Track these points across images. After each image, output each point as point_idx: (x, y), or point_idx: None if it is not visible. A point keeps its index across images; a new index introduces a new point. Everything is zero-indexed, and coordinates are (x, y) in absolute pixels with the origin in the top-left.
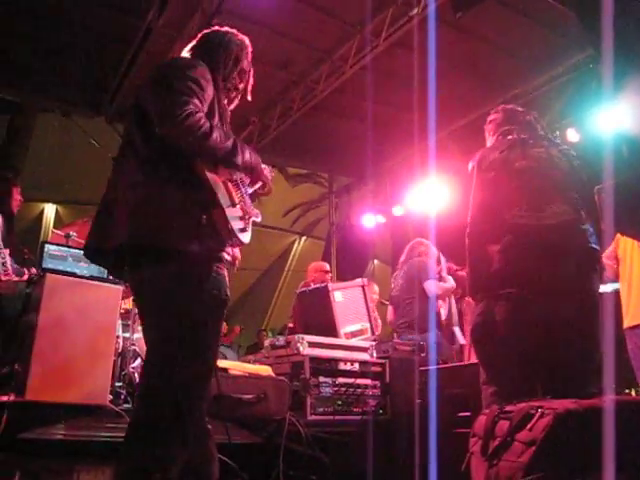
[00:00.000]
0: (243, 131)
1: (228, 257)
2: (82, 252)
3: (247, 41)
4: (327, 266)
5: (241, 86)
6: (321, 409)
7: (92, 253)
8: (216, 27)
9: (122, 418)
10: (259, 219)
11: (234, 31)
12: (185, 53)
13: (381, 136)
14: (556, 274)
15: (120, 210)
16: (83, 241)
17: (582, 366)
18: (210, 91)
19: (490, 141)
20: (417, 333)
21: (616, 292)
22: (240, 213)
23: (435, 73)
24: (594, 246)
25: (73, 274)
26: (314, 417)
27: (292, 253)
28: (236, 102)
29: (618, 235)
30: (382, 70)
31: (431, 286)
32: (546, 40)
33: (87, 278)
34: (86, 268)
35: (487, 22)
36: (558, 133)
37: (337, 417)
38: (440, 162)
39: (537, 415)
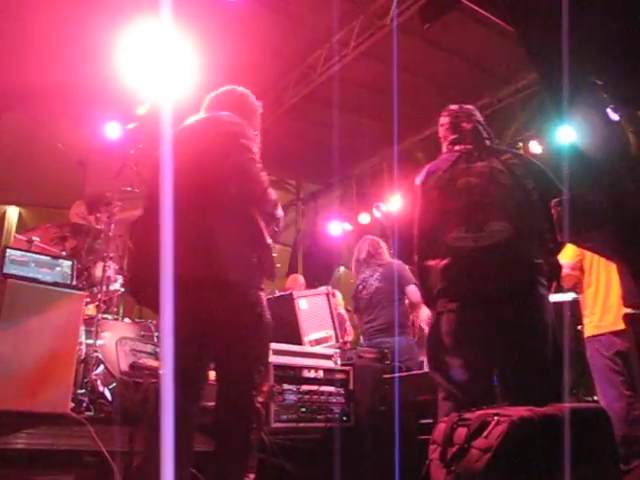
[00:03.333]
0: None
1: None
2: (44, 257)
3: None
4: (301, 278)
5: None
6: (285, 417)
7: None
8: (243, 90)
9: (84, 426)
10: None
11: (253, 97)
12: (226, 112)
13: (349, 144)
14: (494, 292)
15: (199, 249)
16: (46, 246)
17: (527, 376)
18: None
19: (443, 147)
20: (390, 336)
21: (574, 301)
22: (274, 251)
23: (402, 83)
24: (535, 260)
25: (35, 280)
26: (278, 425)
27: None
28: None
29: None
30: (350, 79)
31: (416, 293)
32: (512, 53)
33: (49, 284)
34: (49, 274)
35: (454, 34)
36: (521, 144)
37: (301, 425)
38: (407, 171)
39: (493, 423)
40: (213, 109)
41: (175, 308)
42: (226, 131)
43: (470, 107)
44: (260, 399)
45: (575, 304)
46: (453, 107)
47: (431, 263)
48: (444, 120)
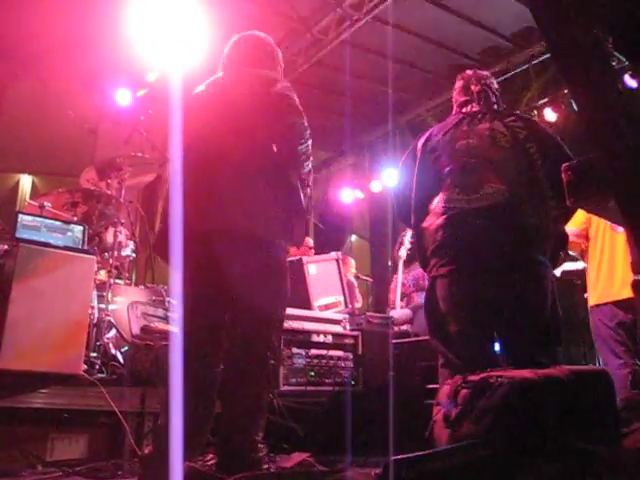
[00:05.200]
0: None
1: None
2: (56, 222)
3: None
4: (311, 242)
5: None
6: (294, 380)
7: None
8: (263, 35)
9: (96, 387)
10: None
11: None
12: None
13: (360, 111)
14: (487, 255)
15: (231, 203)
16: (58, 211)
17: (521, 338)
18: None
19: (453, 110)
20: None
21: (584, 270)
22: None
23: (414, 49)
24: (532, 225)
25: (47, 244)
26: (287, 388)
27: None
28: None
29: (591, 215)
30: (362, 44)
31: None
32: (527, 19)
33: (61, 248)
34: (60, 238)
35: None
36: (536, 112)
37: (310, 388)
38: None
39: (496, 384)
40: (246, 62)
41: (198, 260)
42: (279, 93)
43: (485, 73)
44: (273, 362)
45: (585, 273)
46: (468, 72)
47: (425, 224)
48: (457, 84)
